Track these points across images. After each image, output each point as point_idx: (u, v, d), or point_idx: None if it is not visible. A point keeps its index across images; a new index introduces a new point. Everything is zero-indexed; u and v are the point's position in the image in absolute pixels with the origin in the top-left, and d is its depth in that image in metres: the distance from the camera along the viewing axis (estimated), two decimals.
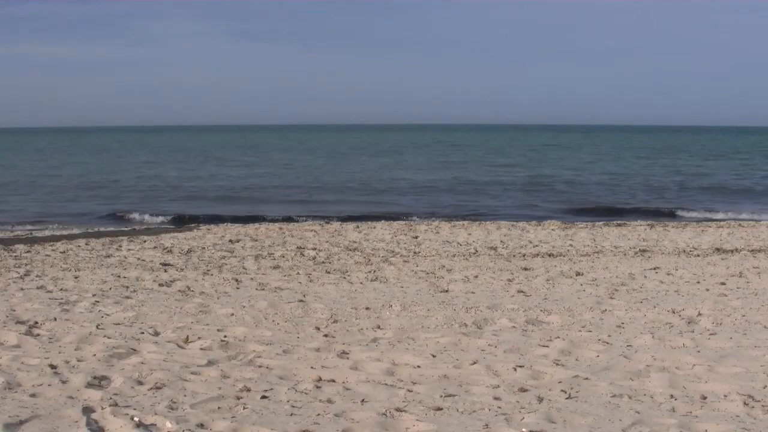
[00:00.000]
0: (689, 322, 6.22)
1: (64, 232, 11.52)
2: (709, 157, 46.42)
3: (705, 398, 4.39)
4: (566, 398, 4.39)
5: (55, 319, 6.20)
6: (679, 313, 6.52)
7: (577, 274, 8.45)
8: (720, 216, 17.50)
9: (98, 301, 6.94)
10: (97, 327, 5.97)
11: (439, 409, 4.21)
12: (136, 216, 17.24)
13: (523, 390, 4.52)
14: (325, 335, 5.81)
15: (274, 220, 15.52)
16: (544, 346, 5.48)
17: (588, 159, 44.10)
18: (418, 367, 5.00)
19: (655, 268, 8.76)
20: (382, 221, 14.02)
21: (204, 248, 10.31)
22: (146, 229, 12.71)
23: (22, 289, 7.52)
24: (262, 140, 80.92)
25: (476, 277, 8.27)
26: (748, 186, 26.78)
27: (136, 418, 3.99)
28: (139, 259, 9.46)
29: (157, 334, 5.83)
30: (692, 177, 30.06)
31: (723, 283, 7.91)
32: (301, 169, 34.97)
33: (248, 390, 4.49)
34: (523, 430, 3.91)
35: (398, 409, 4.18)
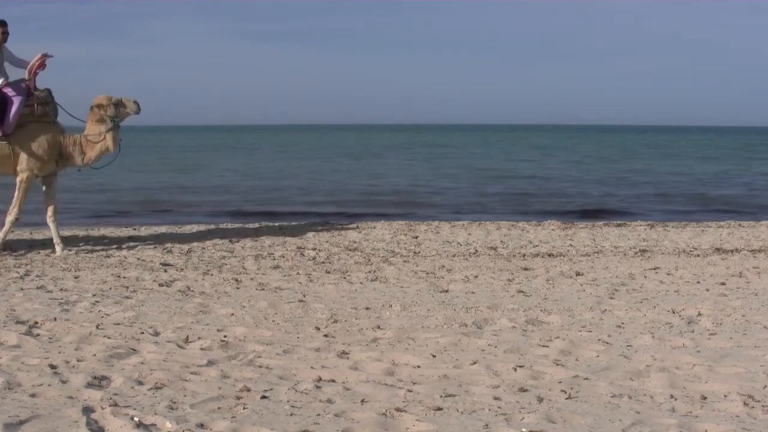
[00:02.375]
0: (689, 322, 6.23)
1: (66, 233, 11.51)
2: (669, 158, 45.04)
3: (705, 398, 4.39)
4: (566, 398, 4.39)
5: (55, 319, 6.20)
6: (679, 313, 6.52)
7: (577, 274, 8.46)
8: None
9: (98, 301, 6.95)
10: (97, 327, 5.97)
11: (439, 409, 4.21)
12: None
13: (523, 390, 4.52)
14: (325, 335, 5.81)
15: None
16: (544, 346, 5.48)
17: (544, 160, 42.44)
18: (418, 367, 5.01)
19: (655, 268, 8.76)
20: (382, 221, 14.02)
21: (204, 248, 10.31)
22: (146, 229, 12.71)
23: (22, 289, 7.53)
24: (255, 140, 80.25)
25: (476, 277, 8.28)
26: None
27: (136, 418, 4.00)
28: (139, 259, 9.46)
29: (157, 334, 5.83)
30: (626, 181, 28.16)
31: (723, 283, 7.91)
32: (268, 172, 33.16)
33: (248, 390, 4.49)
34: (523, 430, 3.92)
35: (398, 409, 4.18)
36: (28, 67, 9.94)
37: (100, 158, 10.25)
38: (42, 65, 9.97)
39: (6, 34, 9.95)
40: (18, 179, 9.96)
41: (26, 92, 9.88)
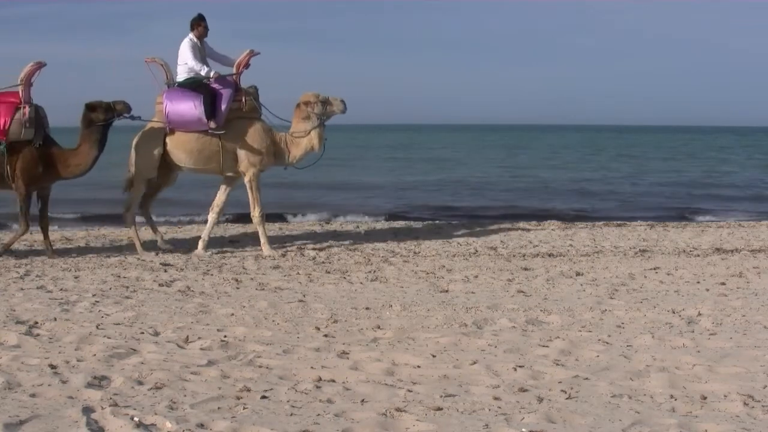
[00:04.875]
0: (689, 322, 6.23)
1: (66, 233, 11.52)
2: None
3: (705, 398, 4.40)
4: (566, 398, 4.40)
5: (55, 319, 6.20)
6: (679, 313, 6.52)
7: (577, 274, 8.45)
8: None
9: (98, 301, 6.95)
10: (97, 327, 5.97)
11: (439, 409, 4.22)
12: None
13: (523, 390, 4.52)
14: (325, 335, 5.81)
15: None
16: (544, 346, 5.48)
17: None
18: (418, 367, 5.01)
19: (655, 268, 8.76)
20: (382, 221, 14.01)
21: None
22: (146, 229, 12.69)
23: (22, 289, 7.53)
24: None
25: (476, 277, 8.27)
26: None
27: (136, 418, 4.00)
28: (139, 258, 9.46)
29: (157, 334, 5.83)
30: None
31: (723, 283, 7.91)
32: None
33: (248, 390, 4.49)
34: (523, 430, 3.92)
35: (398, 409, 4.18)
36: (236, 62, 9.95)
37: (305, 157, 10.25)
38: (248, 63, 9.98)
39: (206, 28, 9.98)
40: (246, 179, 9.96)
41: (234, 87, 9.89)
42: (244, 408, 4.22)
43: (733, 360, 5.14)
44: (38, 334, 5.76)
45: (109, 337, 5.66)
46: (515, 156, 45.47)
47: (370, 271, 8.62)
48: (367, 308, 6.74)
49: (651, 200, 21.71)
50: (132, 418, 4.00)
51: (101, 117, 9.45)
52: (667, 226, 13.17)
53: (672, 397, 4.43)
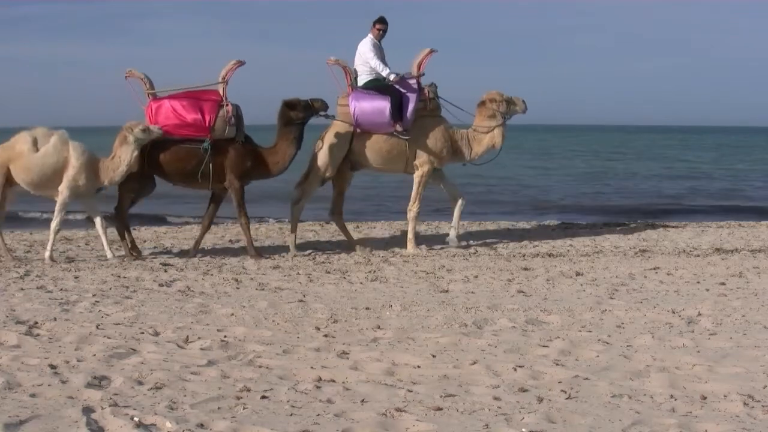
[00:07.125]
0: (689, 322, 6.23)
1: (66, 233, 11.51)
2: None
3: (705, 398, 4.40)
4: (566, 398, 4.40)
5: (55, 319, 6.20)
6: (679, 313, 6.52)
7: (577, 274, 8.45)
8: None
9: (98, 301, 6.95)
10: (97, 327, 5.97)
11: (439, 409, 4.22)
12: None
13: (523, 390, 4.52)
14: (325, 335, 5.81)
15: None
16: (544, 346, 5.48)
17: None
18: (418, 367, 5.01)
19: (655, 268, 8.75)
20: (382, 221, 14.01)
21: (204, 248, 10.31)
22: (146, 229, 12.70)
23: (22, 289, 7.53)
24: None
25: (476, 277, 8.27)
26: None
27: (136, 418, 4.01)
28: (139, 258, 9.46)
29: (157, 334, 5.83)
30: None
31: (723, 283, 7.91)
32: None
33: (248, 390, 4.50)
34: (523, 430, 3.92)
35: (398, 409, 4.18)
36: (417, 62, 9.97)
37: (485, 154, 10.35)
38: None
39: (380, 30, 9.97)
40: (417, 174, 10.05)
41: (418, 87, 9.95)
42: (244, 408, 4.22)
43: (733, 360, 5.14)
44: (38, 334, 5.76)
45: (109, 337, 5.66)
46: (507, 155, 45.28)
47: (370, 271, 8.62)
48: (367, 308, 6.74)
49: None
50: (132, 418, 4.00)
51: (300, 115, 9.48)
52: (667, 226, 13.16)
53: (672, 397, 4.43)
